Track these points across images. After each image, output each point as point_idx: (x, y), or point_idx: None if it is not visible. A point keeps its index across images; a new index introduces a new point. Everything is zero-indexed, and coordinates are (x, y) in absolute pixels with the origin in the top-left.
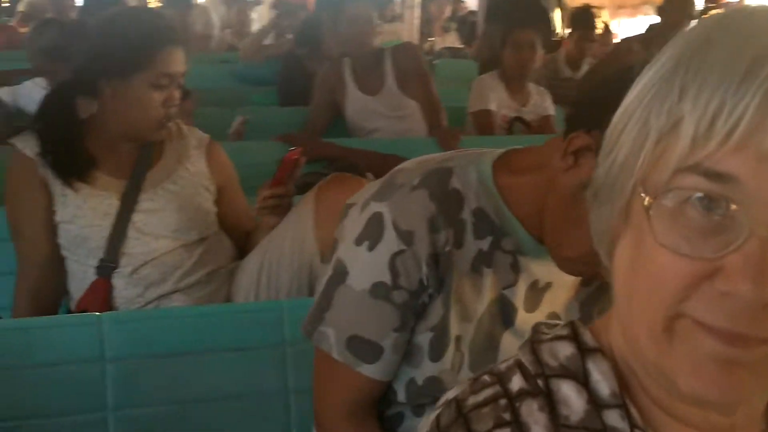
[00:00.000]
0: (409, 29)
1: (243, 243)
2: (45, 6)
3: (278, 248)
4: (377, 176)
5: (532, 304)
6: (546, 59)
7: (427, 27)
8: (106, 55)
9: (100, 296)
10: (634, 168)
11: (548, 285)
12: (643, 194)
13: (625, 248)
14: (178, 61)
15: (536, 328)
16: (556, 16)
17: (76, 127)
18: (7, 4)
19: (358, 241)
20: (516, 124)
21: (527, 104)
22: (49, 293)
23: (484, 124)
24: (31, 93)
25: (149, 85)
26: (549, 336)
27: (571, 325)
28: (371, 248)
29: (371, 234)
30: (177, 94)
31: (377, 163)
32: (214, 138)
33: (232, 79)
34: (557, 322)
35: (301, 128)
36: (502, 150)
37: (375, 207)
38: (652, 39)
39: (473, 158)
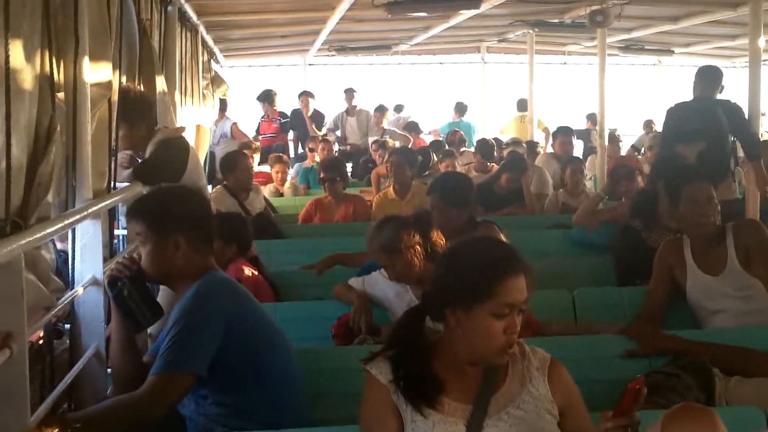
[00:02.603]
0: None
1: None
2: None
3: None
4: (725, 372)
5: None
6: None
7: None
8: (448, 285)
9: None
10: None
11: None
12: None
13: None
14: (518, 290)
15: None
16: None
17: (425, 351)
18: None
19: None
20: None
21: None
22: None
23: None
24: (379, 284)
25: (490, 315)
26: None
27: None
28: None
29: None
30: (519, 320)
31: (724, 358)
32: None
33: (566, 244)
34: None
35: (637, 310)
36: None
37: None
38: None
39: None
